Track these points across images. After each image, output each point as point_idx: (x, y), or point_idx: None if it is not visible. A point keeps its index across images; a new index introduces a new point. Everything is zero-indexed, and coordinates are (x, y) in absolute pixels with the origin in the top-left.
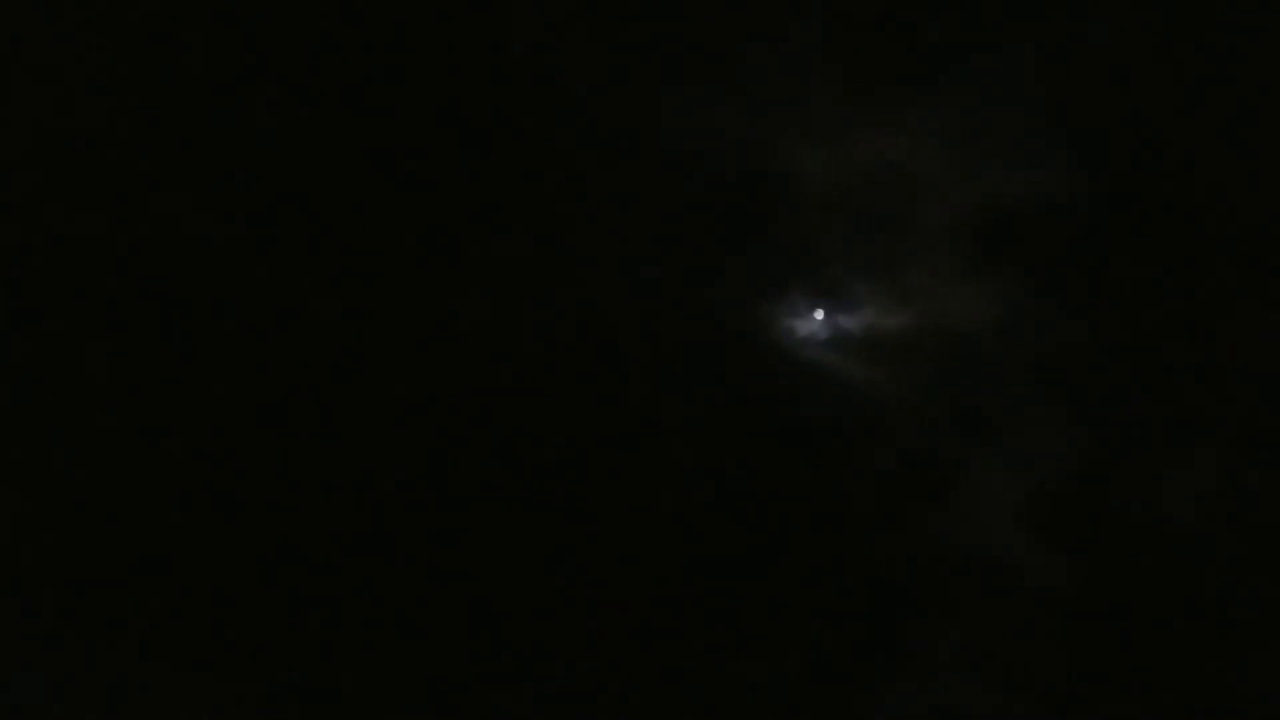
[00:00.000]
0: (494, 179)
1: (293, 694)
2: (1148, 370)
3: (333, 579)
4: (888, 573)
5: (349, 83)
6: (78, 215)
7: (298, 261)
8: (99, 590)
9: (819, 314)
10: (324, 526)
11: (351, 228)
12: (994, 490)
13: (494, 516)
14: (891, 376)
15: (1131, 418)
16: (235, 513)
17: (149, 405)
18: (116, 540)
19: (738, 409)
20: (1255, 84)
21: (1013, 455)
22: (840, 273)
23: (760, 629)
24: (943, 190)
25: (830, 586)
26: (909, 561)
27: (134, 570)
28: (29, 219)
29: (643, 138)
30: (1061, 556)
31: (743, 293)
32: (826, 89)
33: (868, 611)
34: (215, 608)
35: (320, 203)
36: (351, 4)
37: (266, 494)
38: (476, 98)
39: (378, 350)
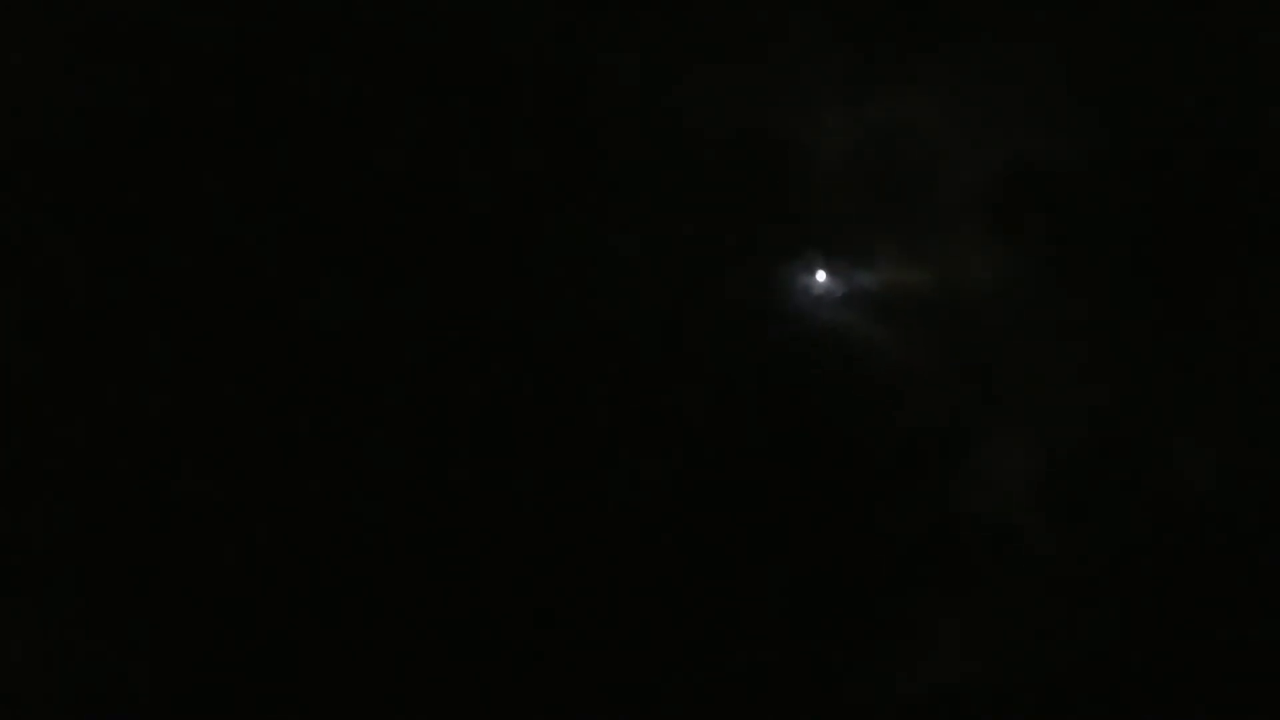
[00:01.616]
0: (497, 158)
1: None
2: (1168, 339)
3: (330, 578)
4: (897, 543)
5: (357, 65)
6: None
7: (297, 250)
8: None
9: (821, 275)
10: (321, 524)
11: (358, 206)
12: (1008, 459)
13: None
14: (906, 341)
15: (1151, 387)
16: (235, 513)
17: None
18: (114, 539)
19: (749, 371)
20: None
21: (1028, 423)
22: (856, 235)
23: (762, 599)
24: (960, 153)
25: (836, 557)
26: (919, 532)
27: (132, 569)
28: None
29: (648, 102)
30: (1077, 528)
31: (756, 256)
32: (840, 51)
33: (875, 582)
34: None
35: (324, 191)
36: None
37: (268, 494)
38: (482, 77)
39: (383, 336)
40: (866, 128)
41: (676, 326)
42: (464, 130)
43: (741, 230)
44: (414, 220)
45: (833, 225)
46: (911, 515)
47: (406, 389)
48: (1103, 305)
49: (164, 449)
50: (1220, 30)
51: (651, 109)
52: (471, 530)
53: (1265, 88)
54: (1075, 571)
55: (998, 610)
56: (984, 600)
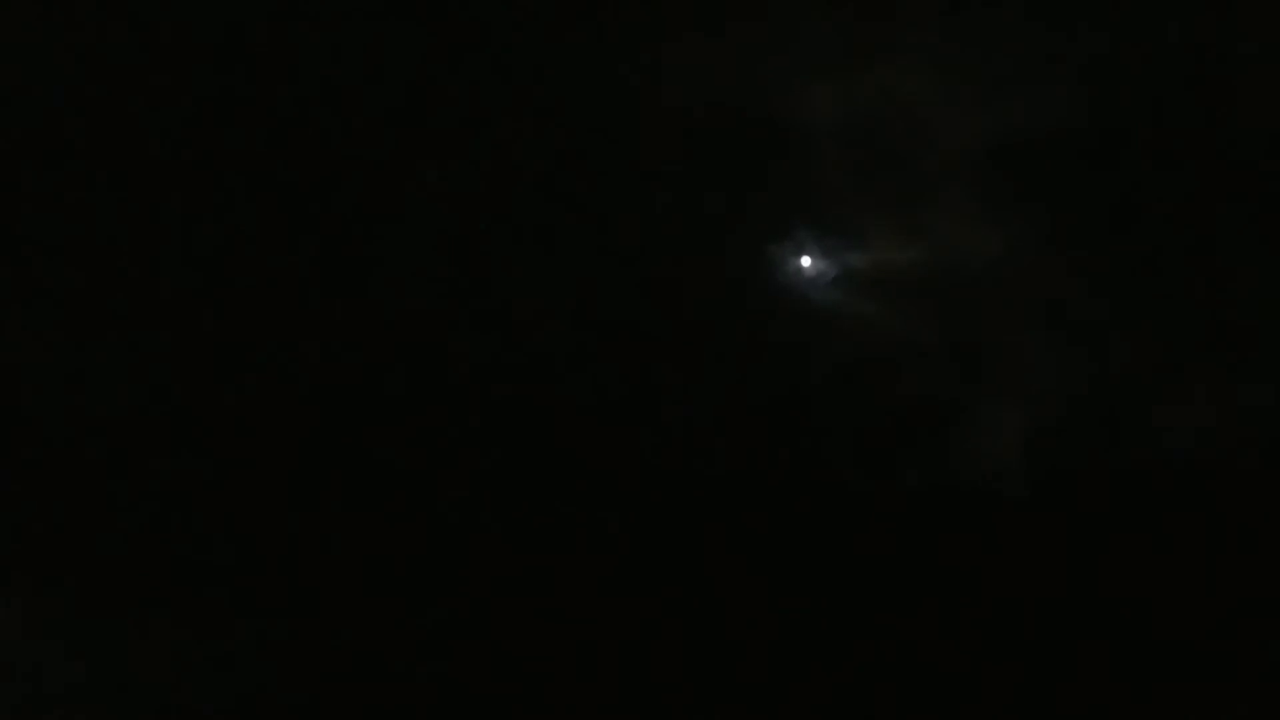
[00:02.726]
0: (484, 142)
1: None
2: (1153, 310)
3: (330, 576)
4: (891, 514)
5: (353, 55)
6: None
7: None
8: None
9: (808, 260)
10: (322, 520)
11: (352, 197)
12: (998, 430)
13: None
14: (897, 315)
15: (1141, 355)
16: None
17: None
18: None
19: (741, 351)
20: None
21: (1018, 394)
22: (846, 211)
23: (756, 573)
24: (949, 128)
25: (830, 530)
26: (912, 502)
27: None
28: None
29: (635, 82)
30: (1066, 497)
31: (745, 235)
32: (827, 26)
33: (868, 556)
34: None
35: (320, 187)
36: None
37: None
38: (472, 62)
39: (377, 330)
40: (855, 104)
41: (669, 312)
42: (456, 117)
43: (731, 212)
44: (404, 211)
45: (822, 204)
46: (902, 490)
47: (400, 381)
48: (1090, 279)
49: (160, 448)
50: (1205, 3)
51: (637, 88)
52: (468, 518)
53: (1251, 60)
54: (1057, 537)
55: (987, 582)
56: (975, 571)
